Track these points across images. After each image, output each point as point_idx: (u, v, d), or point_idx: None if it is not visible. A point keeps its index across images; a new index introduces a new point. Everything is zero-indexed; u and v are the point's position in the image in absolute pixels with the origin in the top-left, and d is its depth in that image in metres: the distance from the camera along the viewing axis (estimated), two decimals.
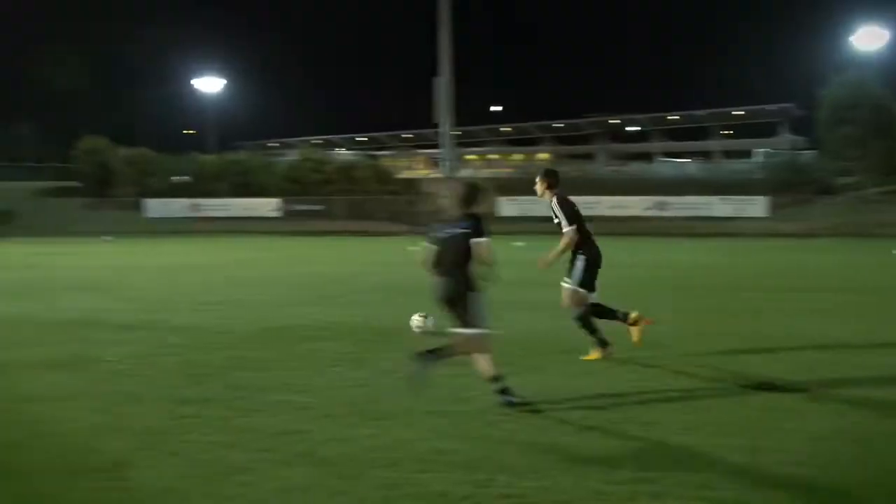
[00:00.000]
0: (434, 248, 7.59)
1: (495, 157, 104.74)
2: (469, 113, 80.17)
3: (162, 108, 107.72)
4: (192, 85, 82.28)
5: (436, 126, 62.99)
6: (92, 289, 17.69)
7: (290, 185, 57.40)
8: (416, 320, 11.20)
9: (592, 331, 9.37)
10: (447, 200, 7.42)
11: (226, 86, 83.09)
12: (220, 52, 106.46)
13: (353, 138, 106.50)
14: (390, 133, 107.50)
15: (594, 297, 9.40)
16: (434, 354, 7.45)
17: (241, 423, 6.82)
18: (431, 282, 7.67)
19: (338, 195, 54.52)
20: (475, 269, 7.41)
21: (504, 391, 7.30)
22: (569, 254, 9.36)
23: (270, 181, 58.95)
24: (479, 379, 8.24)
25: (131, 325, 12.29)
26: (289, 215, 53.80)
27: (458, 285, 7.38)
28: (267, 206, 55.04)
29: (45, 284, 18.72)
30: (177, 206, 56.53)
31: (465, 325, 7.38)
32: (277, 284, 18.34)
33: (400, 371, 8.77)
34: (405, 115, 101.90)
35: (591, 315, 9.39)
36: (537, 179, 9.62)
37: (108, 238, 43.89)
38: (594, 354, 9.36)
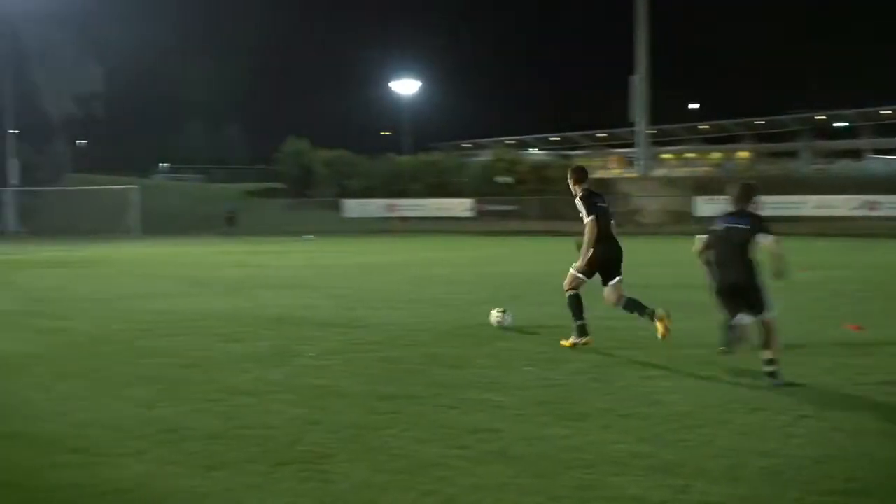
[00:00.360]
0: (712, 239, 8.45)
1: (692, 155, 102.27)
2: (666, 111, 78.61)
3: (360, 111, 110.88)
4: (389, 87, 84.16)
5: (631, 125, 62.14)
6: (294, 286, 18.36)
7: (483, 185, 57.85)
8: (494, 315, 11.46)
9: (578, 316, 10.05)
10: (730, 196, 8.27)
11: (421, 87, 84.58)
12: (416, 55, 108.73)
13: (547, 138, 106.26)
14: (584, 133, 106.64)
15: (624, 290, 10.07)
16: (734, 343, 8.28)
17: (436, 419, 6.88)
18: (711, 271, 8.48)
19: (530, 195, 54.54)
20: (756, 260, 8.11)
21: (774, 374, 7.90)
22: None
23: (463, 181, 59.60)
24: (672, 381, 8.09)
25: (331, 322, 12.64)
26: (482, 215, 54.23)
27: (745, 275, 8.08)
28: (460, 206, 55.65)
29: (252, 282, 19.57)
30: (373, 207, 57.94)
31: (755, 311, 8.02)
32: (471, 283, 18.49)
33: (592, 372, 8.70)
34: (600, 114, 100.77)
35: (580, 303, 10.10)
36: (568, 176, 10.72)
37: (310, 237, 45.50)
38: (569, 342, 10.05)
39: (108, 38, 78.05)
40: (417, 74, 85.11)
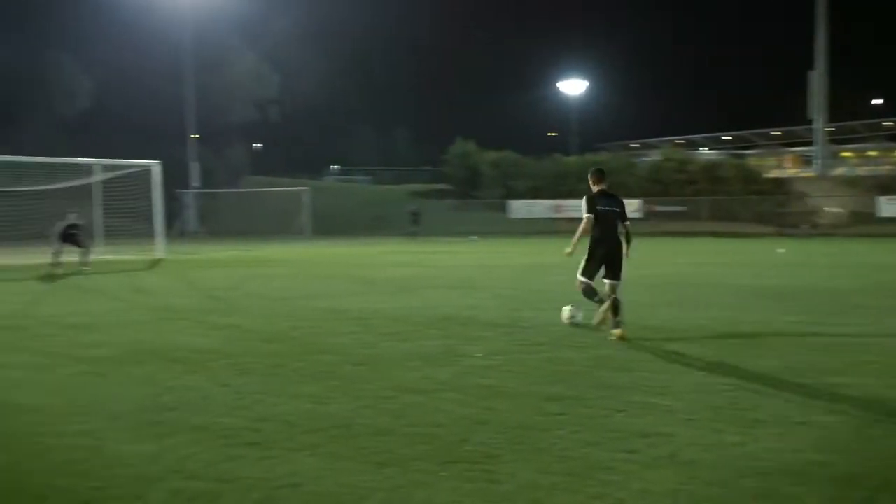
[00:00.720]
0: None
1: (874, 153, 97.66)
2: (846, 107, 75.44)
3: (527, 111, 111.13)
4: (557, 88, 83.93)
5: (809, 122, 60.04)
6: (461, 287, 18.49)
7: (651, 186, 57.00)
8: (566, 312, 12.14)
9: (592, 296, 11.40)
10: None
11: (588, 87, 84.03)
12: (584, 55, 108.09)
13: (718, 137, 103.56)
14: (757, 131, 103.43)
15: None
16: None
17: (604, 422, 6.79)
18: None
19: (701, 195, 53.40)
20: None
21: None
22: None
23: (632, 181, 58.88)
24: (851, 389, 7.76)
25: (497, 322, 12.66)
26: (649, 216, 53.44)
27: None
28: (628, 206, 54.90)
29: (419, 282, 19.84)
30: (539, 208, 57.86)
31: None
32: (637, 285, 18.17)
33: (765, 378, 8.40)
34: (774, 111, 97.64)
35: (591, 289, 11.45)
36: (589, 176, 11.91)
37: (474, 238, 45.80)
38: (603, 317, 11.19)
39: (283, 44, 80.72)
40: (585, 74, 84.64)
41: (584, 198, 11.54)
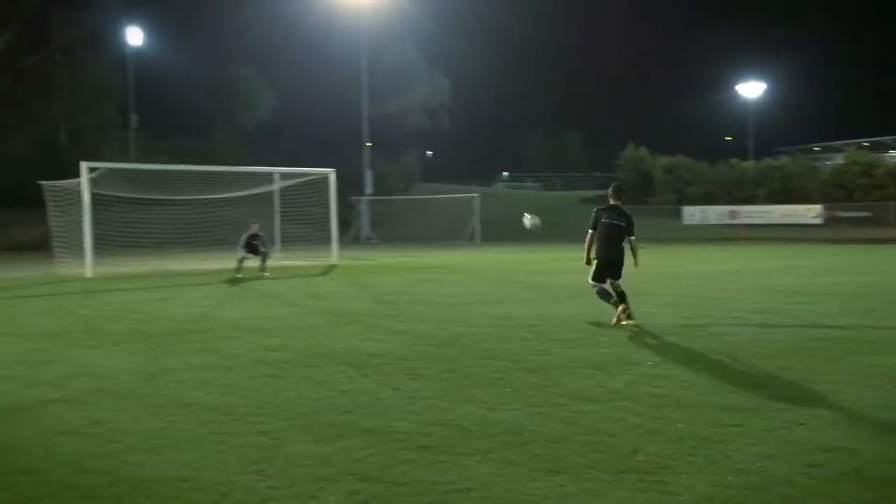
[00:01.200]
0: None
1: None
2: None
3: (702, 116, 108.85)
4: (734, 91, 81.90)
5: None
6: (633, 293, 18.14)
7: (834, 191, 54.88)
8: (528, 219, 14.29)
9: (608, 299, 13.04)
10: None
11: (767, 89, 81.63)
12: (762, 56, 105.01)
13: None
14: None
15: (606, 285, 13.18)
16: None
17: (783, 435, 6.54)
18: None
19: (889, 200, 51.01)
20: None
21: None
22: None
23: (813, 186, 56.84)
24: None
25: (669, 329, 12.43)
26: (831, 222, 51.43)
27: None
28: (808, 212, 53.10)
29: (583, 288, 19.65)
30: (714, 214, 56.62)
31: None
32: (819, 294, 17.52)
33: None
34: None
35: (603, 291, 13.12)
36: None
37: (641, 246, 45.05)
38: (617, 317, 12.79)
39: (456, 53, 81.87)
40: (764, 76, 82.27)
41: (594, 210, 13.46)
